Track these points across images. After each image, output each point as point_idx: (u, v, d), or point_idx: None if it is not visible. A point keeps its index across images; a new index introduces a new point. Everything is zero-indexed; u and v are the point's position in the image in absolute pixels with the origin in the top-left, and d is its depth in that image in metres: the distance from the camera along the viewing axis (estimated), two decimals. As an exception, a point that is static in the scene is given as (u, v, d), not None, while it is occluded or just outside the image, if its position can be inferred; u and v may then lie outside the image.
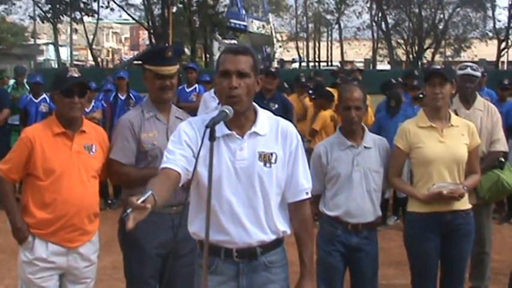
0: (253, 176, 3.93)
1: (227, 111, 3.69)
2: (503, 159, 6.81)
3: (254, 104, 4.07)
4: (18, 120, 12.96)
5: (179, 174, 3.80)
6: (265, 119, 4.05)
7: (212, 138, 3.53)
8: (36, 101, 12.69)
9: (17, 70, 15.31)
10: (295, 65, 65.88)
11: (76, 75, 5.00)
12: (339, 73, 16.11)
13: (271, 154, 3.97)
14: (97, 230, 5.28)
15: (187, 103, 12.68)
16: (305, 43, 67.32)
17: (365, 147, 5.56)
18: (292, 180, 4.07)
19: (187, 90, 13.75)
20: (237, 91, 3.84)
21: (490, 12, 55.06)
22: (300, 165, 4.09)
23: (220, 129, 3.87)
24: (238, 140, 3.95)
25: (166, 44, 33.53)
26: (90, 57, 67.16)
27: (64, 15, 51.74)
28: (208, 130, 3.52)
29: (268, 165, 3.96)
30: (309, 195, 4.16)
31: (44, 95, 12.66)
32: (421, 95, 10.12)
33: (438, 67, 5.81)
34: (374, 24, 57.90)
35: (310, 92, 12.72)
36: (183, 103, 12.38)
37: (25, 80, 14.85)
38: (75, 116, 5.03)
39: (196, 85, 13.91)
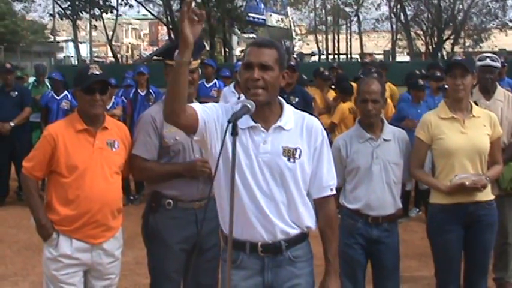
0: (275, 170, 3.94)
1: (249, 105, 3.70)
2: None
3: (280, 98, 4.08)
4: (39, 118, 13.06)
5: (196, 115, 3.86)
6: (291, 114, 4.06)
7: (234, 133, 3.54)
8: (57, 98, 12.81)
9: (37, 69, 15.39)
10: (315, 58, 65.70)
11: (97, 72, 5.03)
12: (369, 65, 15.76)
13: (296, 149, 3.98)
14: (120, 226, 5.31)
15: (207, 99, 12.66)
16: (324, 36, 67.10)
17: (384, 139, 5.55)
18: (317, 176, 4.08)
19: (207, 85, 13.76)
20: (259, 83, 3.85)
21: (509, 2, 54.83)
22: (325, 161, 4.10)
23: (246, 121, 3.90)
24: (263, 133, 3.96)
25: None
26: (109, 54, 67.26)
27: (83, 12, 51.86)
28: (230, 125, 3.54)
29: (292, 160, 3.96)
30: (334, 192, 4.16)
31: (66, 92, 12.76)
32: (446, 86, 10.06)
33: (459, 58, 5.78)
34: (393, 15, 57.61)
35: (332, 86, 12.68)
36: (203, 98, 12.37)
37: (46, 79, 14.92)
38: (97, 113, 5.06)
39: (215, 80, 13.91)
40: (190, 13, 3.59)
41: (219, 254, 5.11)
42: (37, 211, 5.09)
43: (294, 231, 4.05)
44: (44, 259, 5.16)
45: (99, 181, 5.01)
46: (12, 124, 12.21)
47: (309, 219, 4.10)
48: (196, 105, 3.95)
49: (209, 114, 3.94)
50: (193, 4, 3.63)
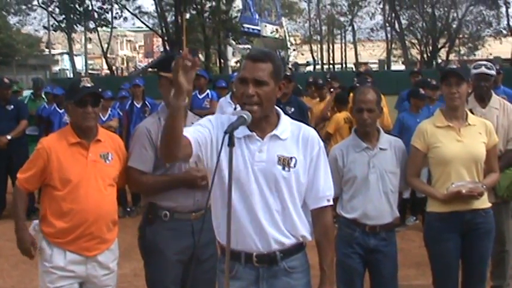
0: (271, 178, 3.94)
1: (245, 116, 3.70)
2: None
3: (277, 108, 4.08)
4: (35, 131, 13.07)
5: (190, 142, 3.83)
6: (288, 124, 4.06)
7: (231, 144, 3.54)
8: (60, 111, 12.79)
9: (35, 82, 15.40)
10: (310, 68, 65.82)
11: (88, 85, 5.06)
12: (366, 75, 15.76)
13: (291, 158, 3.98)
14: (116, 238, 5.30)
15: (201, 110, 12.66)
16: (319, 46, 67.25)
17: (380, 148, 5.56)
18: (314, 186, 4.07)
19: (200, 96, 13.73)
20: (253, 99, 3.85)
21: (503, 10, 54.90)
22: (322, 171, 4.09)
23: (242, 130, 3.88)
24: (258, 142, 3.97)
25: (181, 51, 33.58)
26: (105, 66, 67.30)
27: (78, 25, 51.95)
28: (227, 136, 3.54)
29: (287, 169, 3.96)
30: (330, 203, 4.15)
31: None
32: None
33: (454, 67, 5.79)
34: (387, 25, 57.75)
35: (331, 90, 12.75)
36: (197, 110, 12.35)
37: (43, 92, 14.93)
38: (89, 125, 5.07)
39: (208, 91, 13.88)
40: (185, 62, 3.54)
41: (216, 264, 5.12)
42: (17, 223, 5.17)
43: (289, 241, 4.04)
44: (39, 272, 5.17)
45: (93, 194, 5.02)
46: (9, 137, 12.20)
47: (303, 229, 4.09)
48: (188, 131, 3.90)
49: (202, 133, 3.92)
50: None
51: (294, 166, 3.99)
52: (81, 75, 53.10)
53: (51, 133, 11.58)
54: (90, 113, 5.02)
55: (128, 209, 12.19)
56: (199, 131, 3.93)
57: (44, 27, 56.43)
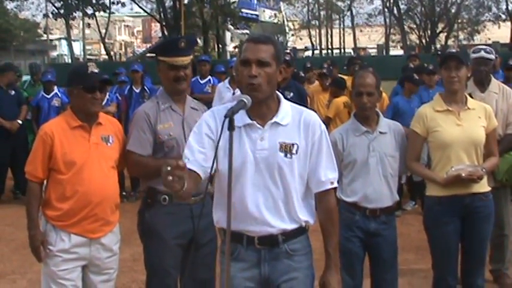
0: (273, 166, 3.94)
1: (245, 100, 3.71)
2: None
3: (278, 93, 4.08)
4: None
5: (199, 174, 3.85)
6: (288, 109, 4.06)
7: (231, 128, 3.54)
8: (48, 96, 12.87)
9: (32, 68, 15.44)
10: (308, 53, 65.70)
11: (96, 70, 5.09)
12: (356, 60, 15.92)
13: (293, 145, 3.98)
14: (117, 221, 5.32)
15: (202, 94, 12.76)
16: (317, 31, 67.06)
17: (380, 132, 5.56)
18: (316, 170, 4.06)
19: (201, 82, 13.83)
20: (257, 80, 3.86)
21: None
22: (324, 155, 4.08)
23: (242, 118, 3.90)
24: (260, 129, 3.96)
25: (179, 35, 33.49)
26: (103, 51, 67.13)
27: (76, 11, 51.73)
28: (227, 120, 3.54)
29: (289, 155, 3.96)
30: (334, 185, 4.15)
31: (56, 91, 12.82)
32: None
33: (453, 50, 5.78)
34: (386, 9, 57.58)
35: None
36: (198, 94, 12.41)
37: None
38: (96, 111, 5.13)
39: (210, 77, 13.98)
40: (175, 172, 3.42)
41: (215, 249, 5.15)
42: (30, 220, 5.11)
43: (291, 226, 4.05)
44: (42, 256, 5.16)
45: (97, 176, 5.04)
46: (20, 122, 12.49)
47: (307, 215, 4.10)
48: (192, 161, 3.87)
49: (204, 153, 3.91)
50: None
51: (296, 152, 3.99)
52: (80, 60, 53.03)
53: (41, 119, 11.82)
54: (98, 99, 5.07)
55: (124, 193, 12.09)
56: (201, 153, 3.91)
57: (43, 14, 56.28)
